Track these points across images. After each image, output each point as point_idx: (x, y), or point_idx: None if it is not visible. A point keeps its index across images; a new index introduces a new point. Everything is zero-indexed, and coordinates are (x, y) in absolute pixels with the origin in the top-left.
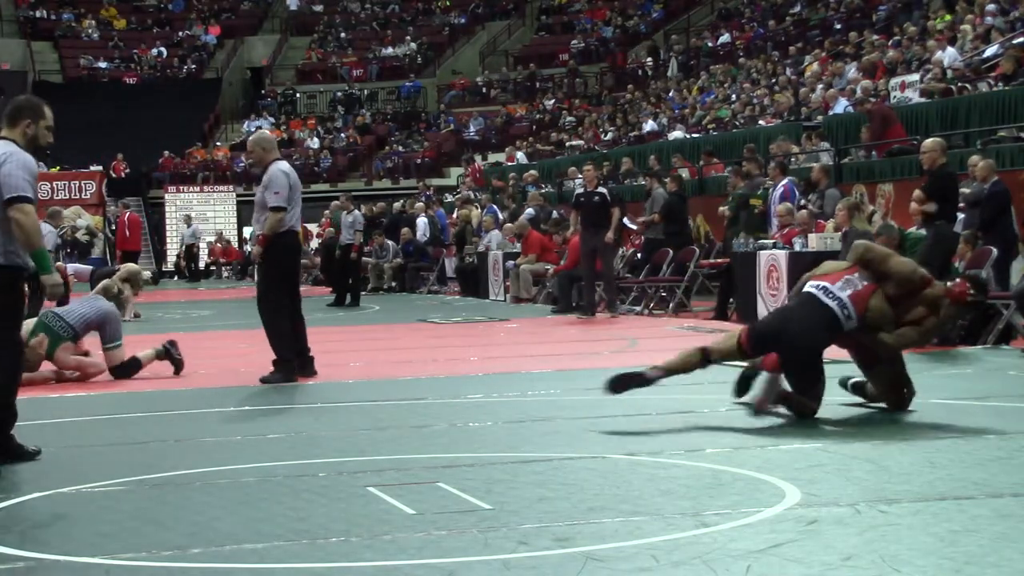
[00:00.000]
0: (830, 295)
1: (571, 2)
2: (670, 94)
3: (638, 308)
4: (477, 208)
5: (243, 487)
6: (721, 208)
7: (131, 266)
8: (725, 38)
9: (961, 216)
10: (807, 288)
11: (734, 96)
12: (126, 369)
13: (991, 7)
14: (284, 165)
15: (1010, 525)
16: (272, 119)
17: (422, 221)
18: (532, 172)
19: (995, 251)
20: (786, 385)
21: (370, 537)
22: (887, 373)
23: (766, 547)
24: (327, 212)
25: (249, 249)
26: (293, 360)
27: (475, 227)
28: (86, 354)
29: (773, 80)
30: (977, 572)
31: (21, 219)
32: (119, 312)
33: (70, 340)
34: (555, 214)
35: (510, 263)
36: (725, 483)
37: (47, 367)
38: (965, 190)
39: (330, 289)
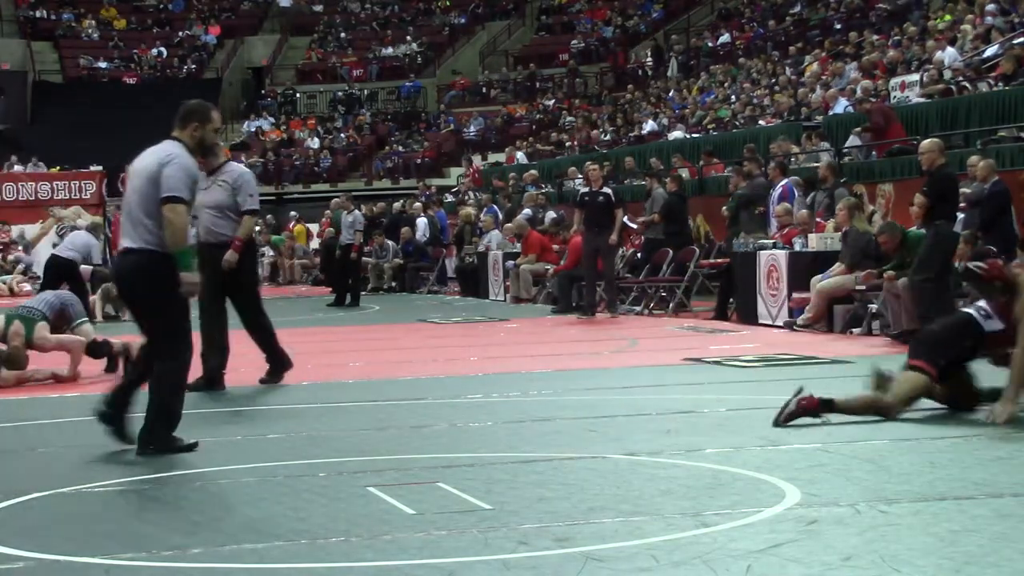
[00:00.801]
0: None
1: (571, 2)
2: (670, 94)
3: (638, 308)
4: (474, 208)
5: (243, 487)
6: (723, 208)
7: None
8: (725, 38)
9: (961, 216)
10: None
11: (734, 96)
12: (99, 348)
13: (991, 7)
14: (244, 167)
15: (1010, 525)
16: (272, 119)
17: (422, 221)
18: (532, 172)
19: (995, 251)
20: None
21: (370, 537)
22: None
23: (766, 547)
24: (327, 212)
25: None
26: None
27: (474, 227)
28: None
29: (773, 80)
30: (977, 572)
31: (172, 218)
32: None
33: (42, 320)
34: (552, 214)
35: (510, 263)
36: (725, 483)
37: (41, 365)
38: (966, 190)
39: (330, 289)
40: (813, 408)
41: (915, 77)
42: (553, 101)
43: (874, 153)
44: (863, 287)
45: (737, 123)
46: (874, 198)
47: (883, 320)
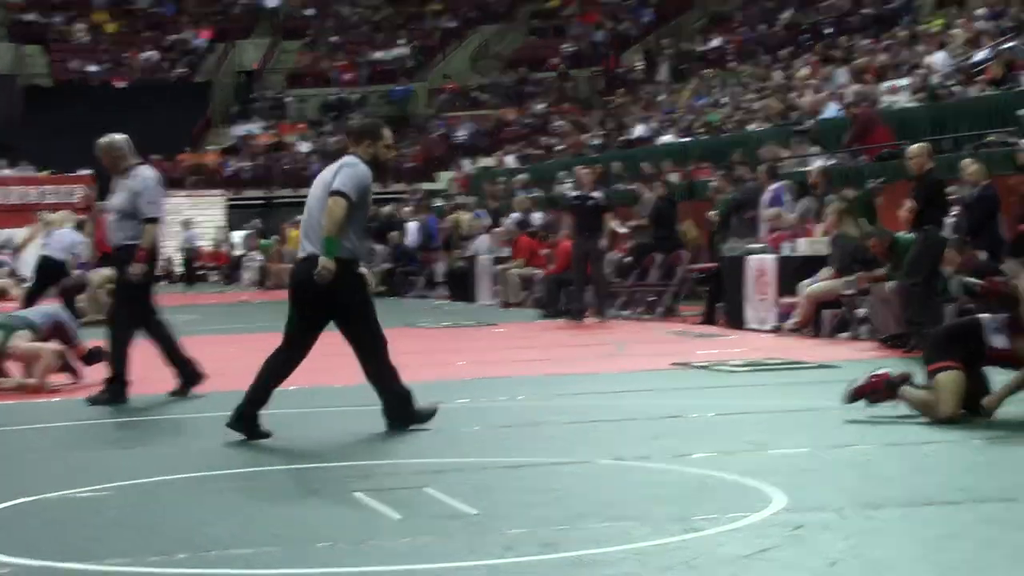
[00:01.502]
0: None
1: (563, 6)
2: (661, 98)
3: (627, 312)
4: (466, 213)
5: (230, 492)
6: (710, 212)
7: (101, 275)
8: (716, 42)
9: (951, 220)
10: None
11: (725, 100)
12: (95, 356)
13: (981, 11)
14: (153, 171)
15: (996, 531)
16: (263, 123)
17: (412, 225)
18: (522, 176)
19: (986, 258)
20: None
21: (356, 543)
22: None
23: (752, 552)
24: None
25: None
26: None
27: (465, 231)
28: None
29: (763, 84)
30: None
31: (333, 207)
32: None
33: (26, 329)
34: (538, 215)
35: (499, 267)
36: (712, 488)
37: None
38: (960, 194)
39: None
40: (879, 388)
41: (905, 81)
42: (544, 105)
43: (863, 157)
44: (851, 291)
45: (727, 127)
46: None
47: (871, 324)
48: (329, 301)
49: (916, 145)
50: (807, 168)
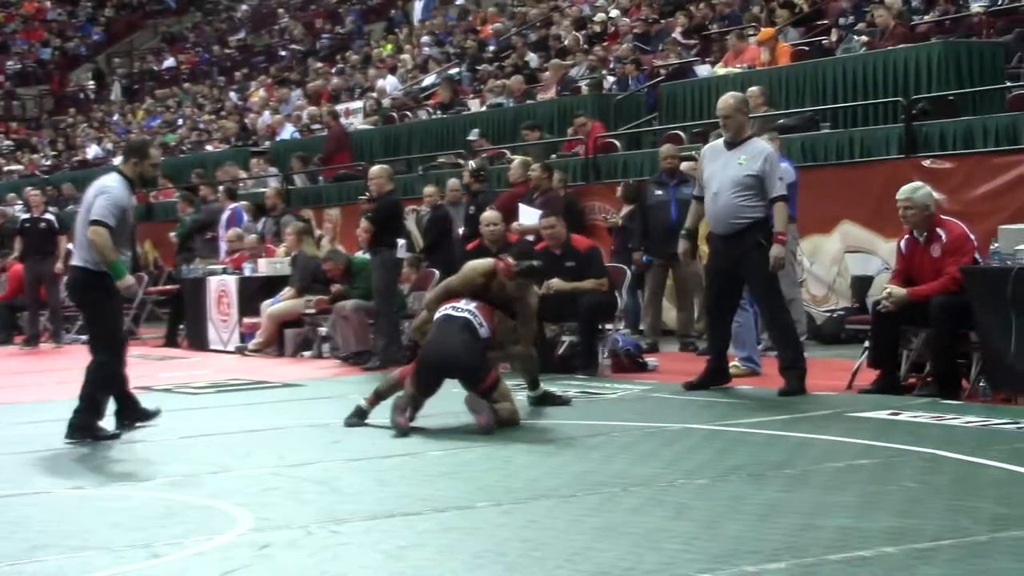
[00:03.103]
0: (459, 309)
1: (5, 22)
2: (114, 118)
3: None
4: None
5: None
6: (171, 234)
7: None
8: (170, 62)
9: (402, 241)
10: (442, 312)
11: (180, 121)
12: None
13: (427, 39)
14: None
15: (454, 538)
16: None
17: None
18: None
19: (437, 273)
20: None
21: None
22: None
23: (218, 575)
24: None
25: None
26: None
27: None
28: None
29: (219, 105)
30: None
31: (95, 239)
32: None
33: None
34: None
35: None
36: (176, 512)
37: None
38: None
39: None
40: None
41: (359, 104)
42: None
43: (321, 178)
44: (312, 311)
45: (184, 148)
46: (322, 222)
47: (332, 343)
48: (88, 302)
49: (376, 167)
50: (265, 188)
